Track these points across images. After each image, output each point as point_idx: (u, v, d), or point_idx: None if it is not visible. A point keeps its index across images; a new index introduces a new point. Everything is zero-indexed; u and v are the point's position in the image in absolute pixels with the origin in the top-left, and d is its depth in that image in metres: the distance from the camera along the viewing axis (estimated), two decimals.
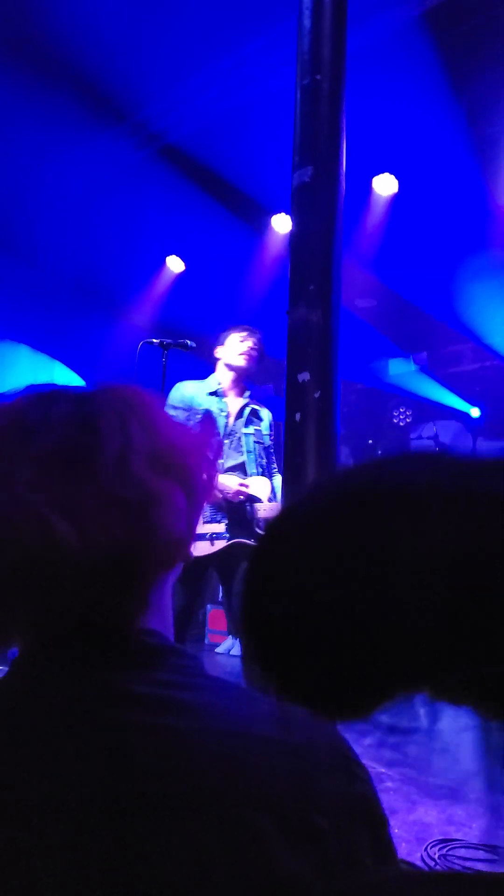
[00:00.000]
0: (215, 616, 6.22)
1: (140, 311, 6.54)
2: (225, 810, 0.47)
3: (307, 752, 0.52)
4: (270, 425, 3.26)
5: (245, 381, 3.18)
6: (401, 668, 0.31)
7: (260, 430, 3.18)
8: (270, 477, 3.18)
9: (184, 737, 0.51)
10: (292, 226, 1.61)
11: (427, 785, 2.77)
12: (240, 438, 3.10)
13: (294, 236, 1.57)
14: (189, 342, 3.09)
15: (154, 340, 3.03)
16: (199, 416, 3.13)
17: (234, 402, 3.14)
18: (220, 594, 3.14)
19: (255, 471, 3.07)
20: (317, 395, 1.46)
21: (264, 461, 3.17)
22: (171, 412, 3.08)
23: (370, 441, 7.31)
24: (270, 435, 3.25)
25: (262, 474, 3.11)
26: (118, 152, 5.72)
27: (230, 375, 3.13)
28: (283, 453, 1.51)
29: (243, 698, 0.58)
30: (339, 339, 1.49)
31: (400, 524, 0.31)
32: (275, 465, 3.25)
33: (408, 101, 4.54)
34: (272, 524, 0.36)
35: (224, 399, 3.14)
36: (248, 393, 3.19)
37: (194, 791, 0.48)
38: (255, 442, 3.12)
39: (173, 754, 0.50)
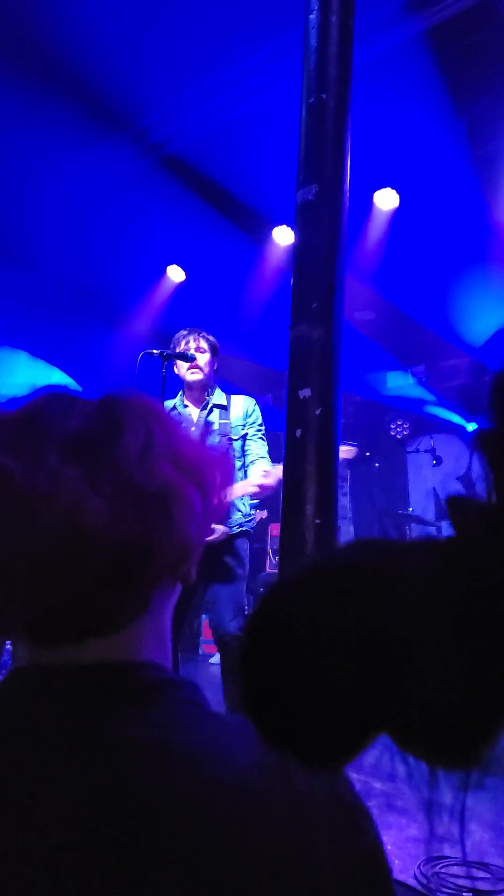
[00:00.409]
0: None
1: (140, 320, 6.55)
2: (225, 876, 0.45)
3: (310, 804, 0.50)
4: (246, 413, 3.20)
5: (202, 386, 3.18)
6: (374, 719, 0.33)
7: (227, 424, 3.15)
8: (245, 466, 3.14)
9: (184, 791, 0.48)
10: (295, 243, 1.62)
11: (422, 801, 2.76)
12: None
13: (297, 253, 1.58)
14: (189, 353, 3.10)
15: (154, 351, 3.03)
16: None
17: (194, 413, 3.19)
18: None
19: None
20: (318, 411, 1.47)
21: (236, 453, 3.15)
22: None
23: (367, 453, 7.32)
24: (245, 425, 3.18)
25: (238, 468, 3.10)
26: (120, 161, 5.75)
27: (188, 390, 3.21)
28: (284, 468, 1.51)
29: (245, 740, 0.54)
30: (340, 357, 1.50)
31: (356, 602, 0.33)
32: (256, 452, 3.16)
33: (410, 117, 4.58)
34: (270, 594, 0.37)
35: (186, 413, 3.20)
36: (209, 390, 3.20)
37: (194, 853, 0.45)
38: (219, 436, 3.11)
39: (174, 812, 0.47)
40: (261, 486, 2.92)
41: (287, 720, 0.35)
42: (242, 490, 2.92)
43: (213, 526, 2.91)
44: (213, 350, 3.20)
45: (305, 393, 1.49)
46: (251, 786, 0.49)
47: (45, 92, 4.74)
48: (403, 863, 2.14)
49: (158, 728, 0.52)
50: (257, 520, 2.86)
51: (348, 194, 1.65)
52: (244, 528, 3.04)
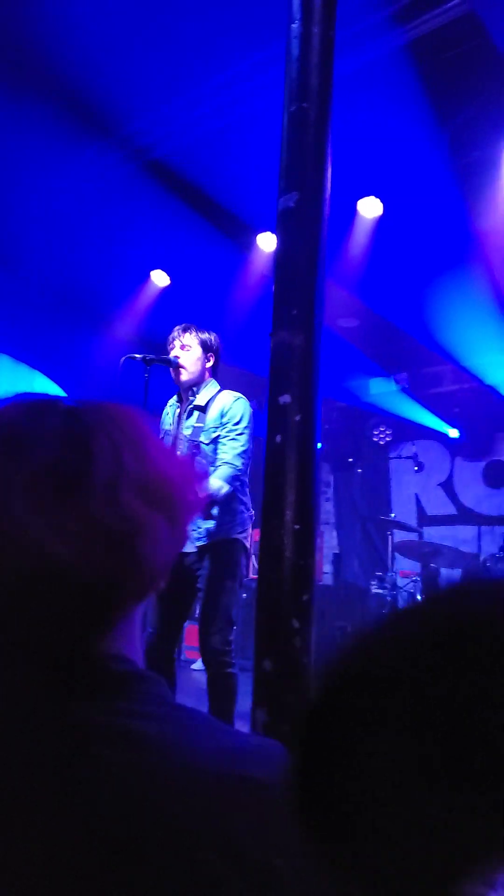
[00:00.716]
0: (191, 632, 6.20)
1: (124, 325, 6.54)
2: (185, 854, 0.47)
3: (267, 789, 0.51)
4: (222, 412, 3.03)
5: (191, 386, 3.11)
6: None
7: (200, 427, 3.02)
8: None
9: (146, 775, 0.50)
10: (276, 250, 1.63)
11: None
12: (181, 443, 3.06)
13: (278, 260, 1.59)
14: (172, 357, 3.10)
15: (137, 356, 3.03)
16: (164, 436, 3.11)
17: (182, 408, 3.16)
18: (197, 610, 3.09)
19: None
20: (297, 418, 1.47)
21: (200, 457, 2.98)
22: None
23: (350, 459, 7.35)
24: (218, 426, 3.01)
25: None
26: (105, 166, 5.74)
27: (181, 390, 3.17)
28: (264, 473, 1.52)
29: (206, 730, 0.57)
30: (320, 364, 1.51)
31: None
32: (221, 456, 2.96)
33: (393, 126, 4.62)
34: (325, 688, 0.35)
35: (177, 410, 3.17)
36: (193, 389, 3.12)
37: (156, 834, 0.47)
38: (188, 440, 3.01)
39: (135, 794, 0.49)
40: None
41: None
42: None
43: None
44: (205, 346, 3.12)
45: (285, 399, 1.50)
46: (216, 769, 0.51)
47: (30, 97, 4.73)
48: None
49: (125, 715, 0.54)
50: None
51: (329, 202, 1.66)
52: (224, 538, 2.93)
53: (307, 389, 1.50)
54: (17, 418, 0.61)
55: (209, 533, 2.91)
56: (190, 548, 2.93)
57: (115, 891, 0.46)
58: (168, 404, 3.25)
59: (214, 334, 3.20)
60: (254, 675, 1.37)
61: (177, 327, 3.17)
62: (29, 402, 0.63)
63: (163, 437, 3.14)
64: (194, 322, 3.23)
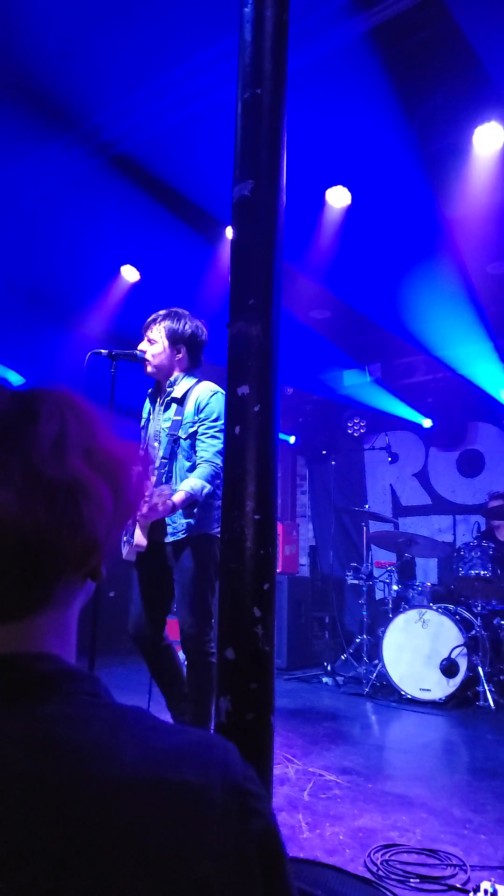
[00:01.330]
0: (172, 626, 6.17)
1: (95, 321, 6.49)
2: (100, 867, 0.45)
3: (199, 792, 0.50)
4: (198, 407, 3.00)
5: (166, 377, 3.11)
6: None
7: (179, 420, 3.01)
8: (170, 470, 2.98)
9: (67, 787, 0.47)
10: (233, 239, 1.62)
11: (375, 792, 2.79)
12: (160, 435, 3.05)
13: (234, 250, 1.58)
14: (138, 352, 3.07)
15: (102, 351, 2.99)
16: (141, 426, 3.13)
17: (159, 401, 3.14)
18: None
19: (157, 465, 2.97)
20: (256, 408, 1.47)
21: (182, 452, 2.98)
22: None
23: (324, 451, 7.36)
24: (195, 421, 2.99)
25: (164, 469, 2.97)
26: (69, 160, 5.68)
27: (155, 382, 3.17)
28: (224, 465, 1.52)
29: (138, 731, 0.54)
30: (278, 353, 1.50)
31: None
32: (201, 453, 2.96)
33: (360, 116, 4.61)
34: None
35: (154, 401, 3.16)
36: (171, 380, 3.09)
37: (68, 847, 0.45)
38: (167, 434, 3.01)
39: (57, 808, 0.46)
40: (148, 514, 2.74)
41: None
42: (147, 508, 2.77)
43: (137, 541, 2.88)
44: (174, 338, 3.06)
45: (244, 390, 1.50)
46: (139, 774, 0.49)
47: None
48: (354, 852, 2.16)
49: (41, 721, 0.51)
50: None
51: (286, 190, 1.65)
52: (195, 534, 2.92)
53: (265, 379, 1.49)
54: None
55: (188, 527, 2.92)
56: (168, 540, 2.94)
57: None
58: (148, 394, 3.24)
59: (191, 323, 3.12)
60: (217, 665, 1.36)
61: (151, 315, 3.16)
62: None
63: (142, 428, 3.18)
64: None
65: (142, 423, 3.22)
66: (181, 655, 3.06)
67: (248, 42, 1.67)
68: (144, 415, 3.22)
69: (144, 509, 2.71)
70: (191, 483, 2.84)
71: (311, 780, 2.91)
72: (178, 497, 2.78)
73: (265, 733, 1.33)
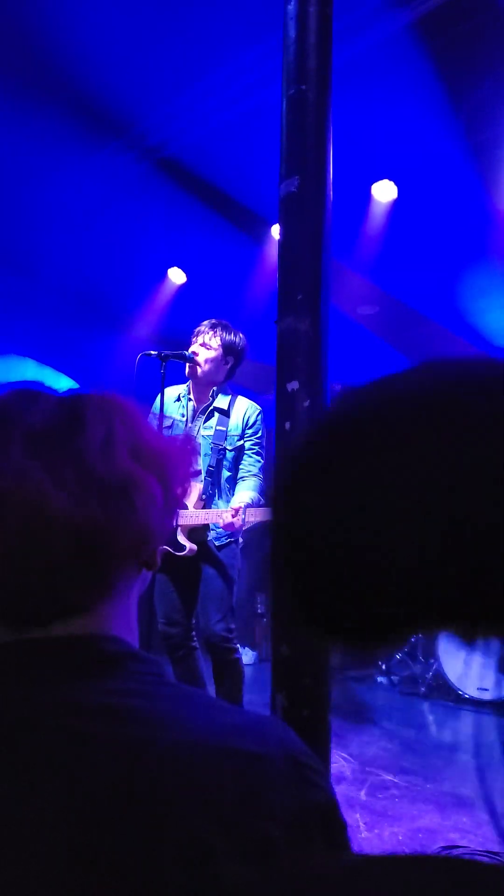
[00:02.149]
0: None
1: (143, 323, 6.57)
2: (176, 824, 0.47)
3: (261, 760, 0.52)
4: (246, 423, 3.10)
5: (208, 384, 3.13)
6: (413, 595, 0.30)
7: (224, 431, 3.07)
8: (217, 480, 3.04)
9: (140, 748, 0.51)
10: (280, 236, 1.62)
11: (433, 793, 2.75)
12: (199, 442, 3.08)
13: (282, 246, 1.58)
14: (187, 353, 3.10)
15: (152, 352, 3.03)
16: (166, 426, 3.18)
17: (198, 405, 3.16)
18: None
19: (203, 476, 3.03)
20: (306, 403, 1.47)
21: (225, 463, 3.05)
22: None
23: None
24: (241, 435, 3.09)
25: (210, 477, 3.02)
26: (118, 166, 5.76)
27: (194, 384, 3.18)
28: (275, 461, 1.51)
29: (202, 707, 0.58)
30: (327, 348, 1.50)
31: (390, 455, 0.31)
32: (247, 468, 3.08)
33: (405, 108, 4.56)
34: (289, 468, 0.37)
35: (189, 403, 3.17)
36: (215, 389, 3.14)
37: (149, 806, 0.48)
38: (211, 444, 3.05)
39: (130, 768, 0.49)
40: (226, 526, 2.87)
41: (338, 583, 0.32)
42: (214, 519, 2.91)
43: (184, 542, 2.94)
44: (228, 349, 3.12)
45: (293, 385, 1.50)
46: (207, 742, 0.52)
47: (39, 100, 4.76)
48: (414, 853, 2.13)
49: (116, 694, 0.55)
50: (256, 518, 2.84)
51: (332, 185, 1.65)
52: (230, 540, 3.04)
53: (315, 375, 1.49)
54: (14, 398, 0.65)
55: (228, 533, 3.02)
56: (211, 543, 3.04)
57: (107, 863, 0.46)
58: (177, 394, 3.23)
59: (242, 338, 3.19)
60: (272, 661, 1.37)
61: (205, 322, 3.18)
62: (23, 388, 0.67)
63: (167, 426, 3.18)
64: (212, 318, 3.21)
65: (168, 423, 3.21)
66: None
67: (291, 39, 1.67)
68: (173, 414, 3.21)
69: (220, 523, 2.84)
70: (251, 495, 2.98)
71: (367, 779, 2.89)
72: (254, 514, 2.88)
73: (322, 730, 1.33)
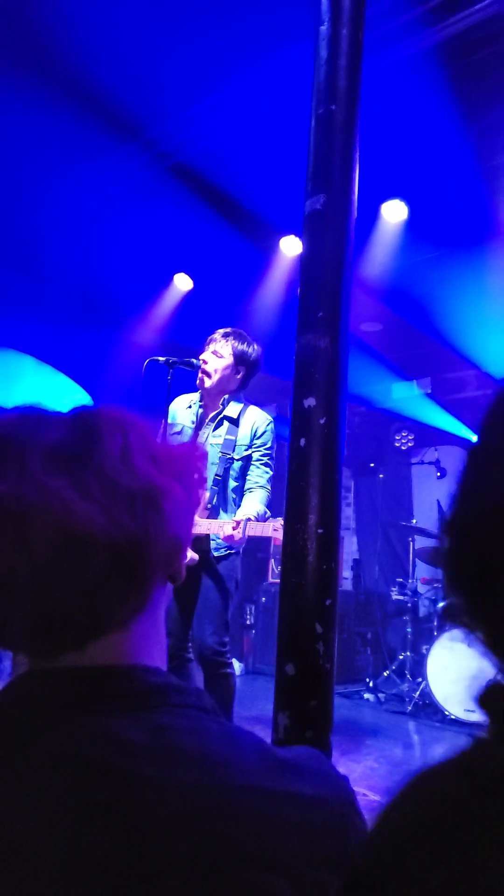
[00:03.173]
0: None
1: (147, 328, 6.57)
2: (235, 873, 0.46)
3: (316, 805, 0.52)
4: (254, 433, 3.07)
5: (219, 392, 3.11)
6: None
7: (233, 440, 3.04)
8: (224, 490, 3.01)
9: (191, 793, 0.49)
10: (303, 252, 1.62)
11: None
12: (207, 450, 3.06)
13: (304, 263, 1.58)
14: (195, 361, 3.10)
15: (160, 358, 3.03)
16: (173, 432, 3.15)
17: (207, 412, 3.14)
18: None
19: (210, 485, 3.00)
20: (322, 420, 1.46)
21: (233, 473, 3.02)
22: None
23: (371, 464, 7.31)
24: (249, 445, 3.06)
25: (217, 486, 2.99)
26: (129, 170, 5.78)
27: (205, 393, 3.15)
28: (288, 477, 1.51)
29: (250, 745, 0.56)
30: (346, 367, 1.50)
31: None
32: (255, 479, 3.04)
33: (418, 129, 4.60)
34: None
35: (199, 410, 3.15)
36: (225, 398, 3.11)
37: (204, 853, 0.46)
38: (220, 452, 3.03)
39: (181, 812, 0.48)
40: (226, 538, 2.82)
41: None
42: (216, 529, 2.87)
43: (190, 556, 2.92)
44: (239, 358, 3.09)
45: (310, 402, 1.49)
46: (262, 785, 0.51)
47: (54, 101, 4.78)
48: None
49: (161, 730, 0.53)
50: (272, 530, 2.82)
51: (356, 204, 1.65)
52: (230, 552, 3.00)
53: (332, 392, 1.49)
54: (23, 419, 0.63)
55: (228, 546, 2.98)
56: (212, 554, 3.00)
57: None
58: (189, 401, 3.22)
59: (256, 348, 3.15)
60: (276, 680, 1.36)
61: (219, 330, 3.15)
62: (31, 409, 0.65)
63: (177, 432, 3.16)
64: (217, 327, 3.20)
65: (176, 430, 3.18)
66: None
67: (323, 59, 1.68)
68: (183, 422, 3.19)
69: (221, 534, 2.80)
70: (256, 507, 2.95)
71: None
72: (254, 529, 2.84)
73: (324, 751, 1.32)
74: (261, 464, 3.05)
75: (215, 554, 2.99)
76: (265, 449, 3.07)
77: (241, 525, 2.76)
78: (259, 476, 3.04)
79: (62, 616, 0.56)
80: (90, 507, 0.55)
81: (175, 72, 4.86)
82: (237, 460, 3.03)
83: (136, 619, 0.60)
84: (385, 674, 5.85)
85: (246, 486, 3.04)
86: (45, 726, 0.53)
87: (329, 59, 1.67)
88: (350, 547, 8.04)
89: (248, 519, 2.80)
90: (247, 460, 3.05)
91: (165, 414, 3.12)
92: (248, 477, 3.05)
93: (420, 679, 5.07)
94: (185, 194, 5.66)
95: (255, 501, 2.97)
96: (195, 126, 5.37)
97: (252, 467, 3.05)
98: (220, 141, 5.31)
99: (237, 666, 6.00)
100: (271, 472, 3.07)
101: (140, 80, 4.81)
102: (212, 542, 2.98)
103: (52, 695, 0.55)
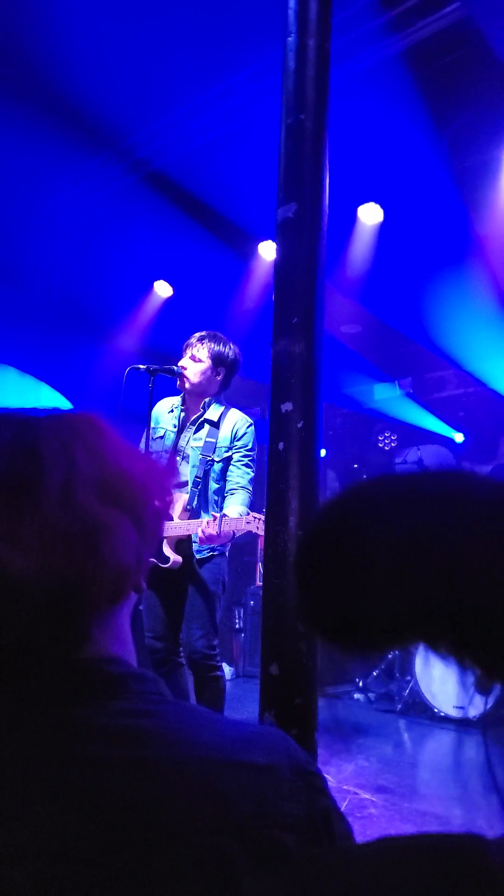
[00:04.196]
0: None
1: (128, 336, 6.58)
2: (194, 838, 0.49)
3: (270, 771, 0.54)
4: (234, 434, 3.08)
5: (200, 395, 3.13)
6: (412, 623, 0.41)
7: (213, 443, 3.05)
8: (204, 492, 3.03)
9: (152, 768, 0.52)
10: (276, 259, 1.65)
11: (412, 812, 2.77)
12: (188, 453, 3.08)
13: (278, 270, 1.61)
14: (176, 367, 3.11)
15: (141, 366, 3.04)
16: (156, 436, 3.15)
17: (189, 416, 3.16)
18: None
19: (190, 487, 3.01)
20: (299, 424, 1.49)
21: (213, 475, 3.03)
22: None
23: (355, 465, 7.35)
24: (229, 447, 3.07)
25: (196, 488, 3.01)
26: (106, 178, 5.80)
27: (187, 395, 3.17)
28: (268, 481, 1.54)
29: (206, 722, 0.59)
30: (321, 371, 1.52)
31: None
32: (235, 480, 3.05)
33: (392, 133, 4.65)
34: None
35: (181, 414, 3.17)
36: (207, 400, 3.13)
37: (166, 822, 0.49)
38: (200, 455, 3.04)
39: (143, 787, 0.50)
40: (204, 537, 2.83)
41: (340, 604, 0.42)
42: (195, 529, 2.88)
43: (169, 554, 2.93)
44: (217, 360, 3.10)
45: (287, 406, 1.52)
46: (217, 757, 0.54)
47: (31, 111, 4.79)
48: None
49: (122, 716, 0.56)
50: (244, 523, 2.83)
51: (327, 211, 1.68)
52: (214, 553, 3.01)
53: (309, 397, 1.51)
54: None
55: (211, 547, 2.98)
56: (195, 557, 3.01)
57: (125, 885, 0.47)
58: (171, 405, 3.23)
59: (233, 348, 3.16)
60: (261, 680, 1.38)
61: (195, 334, 3.16)
62: None
63: (160, 437, 3.16)
64: (197, 332, 3.21)
65: (158, 434, 3.18)
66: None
67: (291, 70, 1.71)
68: (166, 426, 3.20)
69: (200, 534, 2.82)
70: (238, 509, 2.95)
71: (346, 798, 2.90)
72: (231, 524, 2.84)
73: (309, 748, 1.35)
74: (241, 465, 3.06)
75: (198, 556, 2.99)
76: (246, 450, 3.08)
77: (217, 520, 2.76)
78: (240, 477, 3.05)
79: (4, 657, 0.56)
80: (21, 556, 0.54)
81: (150, 81, 4.89)
82: (217, 462, 3.05)
83: (88, 639, 0.60)
84: (374, 673, 5.88)
85: (227, 488, 3.05)
86: (19, 721, 0.55)
87: (297, 70, 1.70)
88: None
89: (224, 515, 2.82)
90: (227, 462, 3.06)
91: (147, 422, 3.13)
92: (228, 478, 3.06)
93: (409, 677, 5.10)
94: (163, 201, 5.68)
95: (236, 503, 2.98)
96: (170, 134, 5.40)
97: (232, 468, 3.06)
98: (195, 148, 5.34)
99: (227, 670, 6.00)
100: (252, 473, 3.08)
101: (116, 89, 4.83)
102: (193, 544, 2.99)
103: (10, 688, 0.56)
